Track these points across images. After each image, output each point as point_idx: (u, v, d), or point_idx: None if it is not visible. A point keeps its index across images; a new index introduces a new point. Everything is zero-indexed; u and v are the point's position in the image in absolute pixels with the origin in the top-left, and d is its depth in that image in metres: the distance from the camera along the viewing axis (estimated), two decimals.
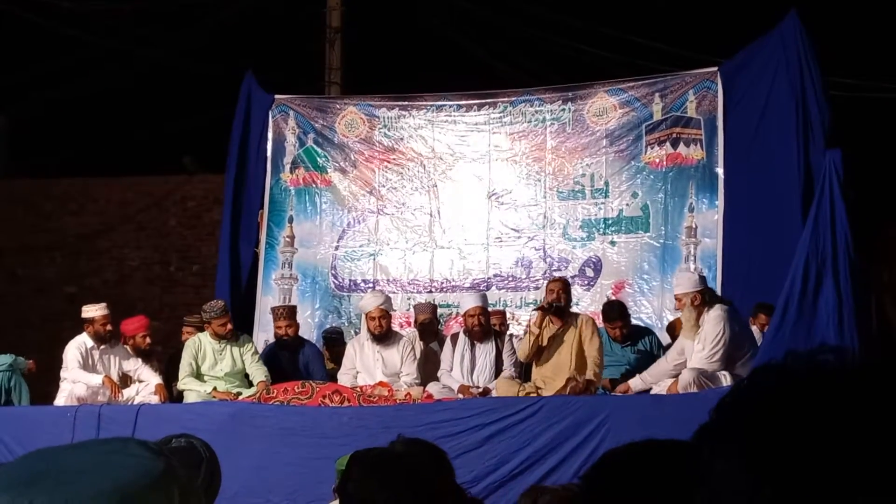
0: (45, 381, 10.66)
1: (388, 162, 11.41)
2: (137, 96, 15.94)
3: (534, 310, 9.06)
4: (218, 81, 13.80)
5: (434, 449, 2.52)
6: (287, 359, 9.54)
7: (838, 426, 0.85)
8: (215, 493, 2.91)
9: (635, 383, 8.45)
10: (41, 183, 15.04)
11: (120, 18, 14.65)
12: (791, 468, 0.85)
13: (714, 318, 8.03)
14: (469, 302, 9.37)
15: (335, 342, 10.31)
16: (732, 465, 0.89)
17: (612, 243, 10.67)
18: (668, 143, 10.64)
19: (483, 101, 11.33)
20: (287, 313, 9.78)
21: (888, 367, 0.89)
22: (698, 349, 8.03)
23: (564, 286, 9.01)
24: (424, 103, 11.46)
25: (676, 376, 8.18)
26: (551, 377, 8.71)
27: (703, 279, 8.56)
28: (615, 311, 9.25)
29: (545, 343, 8.82)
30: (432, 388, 8.82)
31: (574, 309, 9.42)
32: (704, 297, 8.23)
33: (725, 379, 7.83)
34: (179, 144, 15.12)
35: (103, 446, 1.23)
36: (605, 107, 10.95)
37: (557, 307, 8.79)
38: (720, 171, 10.32)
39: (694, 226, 10.44)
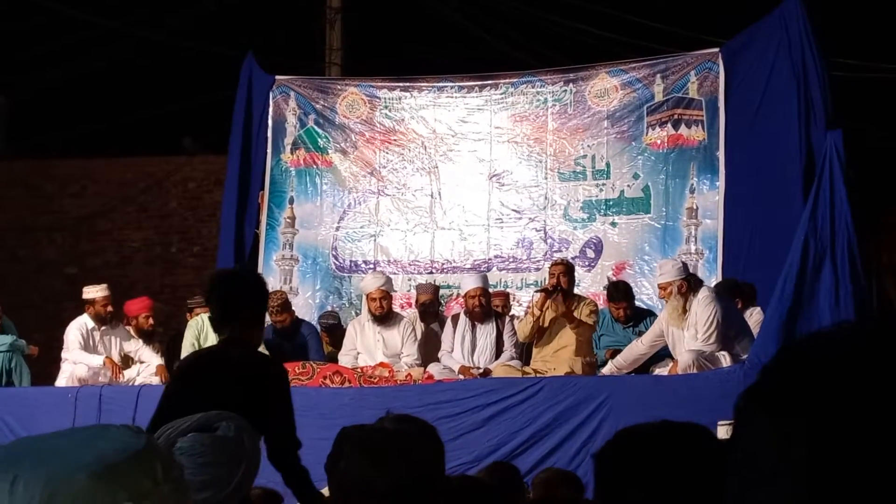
0: (45, 363, 10.68)
1: (389, 143, 11.40)
2: (137, 77, 15.91)
3: (535, 291, 9.06)
4: (218, 62, 13.77)
5: (424, 425, 2.48)
6: (286, 345, 9.52)
7: (876, 398, 0.86)
8: (248, 489, 2.83)
9: (608, 370, 8.48)
10: (41, 164, 15.03)
11: None
12: (829, 435, 0.86)
13: (703, 300, 8.04)
14: (469, 283, 9.38)
15: (333, 328, 10.26)
16: (771, 434, 0.90)
17: (613, 224, 10.66)
18: (669, 125, 10.63)
19: (484, 82, 11.31)
20: (280, 308, 9.60)
21: None
22: (691, 334, 8.03)
23: (567, 270, 9.00)
24: (426, 84, 11.44)
25: (653, 359, 8.25)
26: (552, 359, 8.73)
27: (685, 266, 8.57)
28: (620, 291, 9.24)
29: (546, 324, 8.84)
30: (433, 368, 8.83)
31: (575, 290, 9.42)
32: (690, 284, 8.24)
33: (725, 359, 7.84)
34: (179, 125, 15.10)
35: (85, 431, 1.26)
36: (606, 88, 10.92)
37: (561, 291, 8.80)
38: (721, 152, 10.31)
39: (695, 207, 10.43)
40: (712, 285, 9.02)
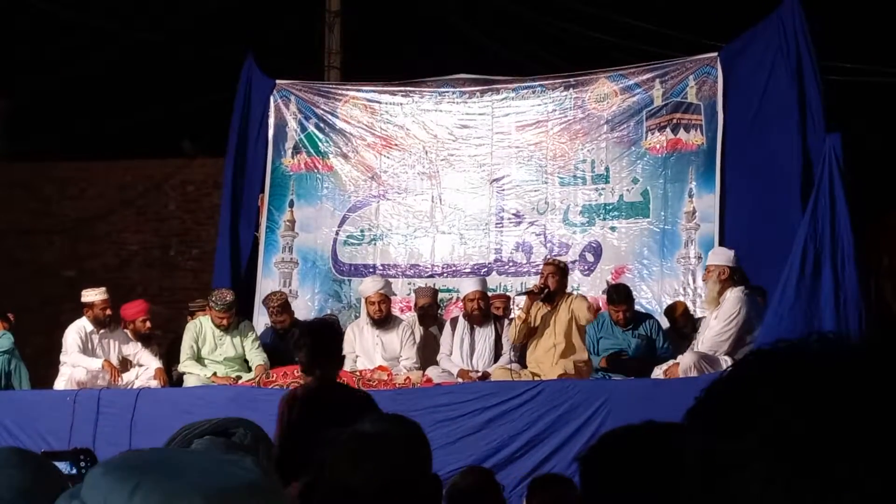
0: (44, 365, 10.67)
1: (390, 147, 11.40)
2: (137, 79, 15.90)
3: (518, 294, 9.05)
4: (217, 65, 13.77)
5: (407, 425, 2.43)
6: (286, 347, 9.52)
7: (830, 410, 0.86)
8: None
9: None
10: (41, 166, 15.02)
11: (120, 0, 14.61)
12: (783, 449, 0.86)
13: (733, 299, 8.13)
14: (468, 286, 9.38)
15: None
16: (723, 447, 0.89)
17: (613, 229, 10.66)
18: (668, 129, 10.64)
19: (486, 87, 11.31)
20: (280, 308, 9.73)
21: (877, 350, 0.90)
22: (713, 325, 8.12)
23: (556, 270, 8.99)
24: (427, 90, 11.44)
25: (653, 361, 8.45)
26: (544, 360, 8.73)
27: (737, 259, 8.58)
28: (620, 294, 9.24)
29: (537, 323, 8.84)
30: (432, 372, 8.83)
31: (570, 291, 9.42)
32: (732, 276, 8.30)
33: (726, 363, 7.84)
34: (178, 128, 15.10)
35: (222, 455, 1.34)
36: (606, 93, 10.94)
37: (547, 293, 8.79)
38: (720, 156, 10.31)
39: (693, 211, 10.43)
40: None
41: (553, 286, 8.84)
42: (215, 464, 1.26)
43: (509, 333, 8.98)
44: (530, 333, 8.87)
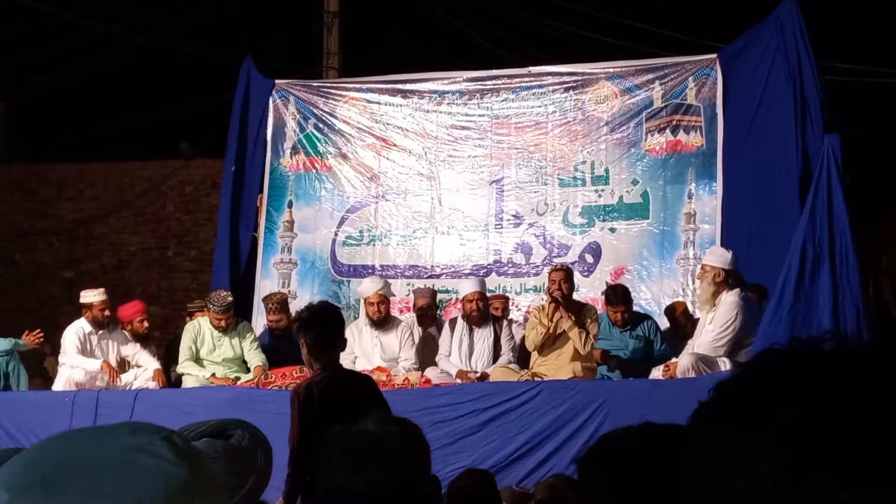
0: (42, 367, 10.66)
1: (389, 148, 11.38)
2: (135, 81, 15.90)
3: (550, 302, 8.93)
4: (215, 66, 13.77)
5: (408, 426, 2.43)
6: (283, 347, 9.52)
7: (842, 406, 0.86)
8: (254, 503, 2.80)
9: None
10: (39, 168, 15.03)
11: (118, 2, 14.61)
12: (796, 444, 0.86)
13: (729, 303, 8.04)
14: (467, 287, 9.38)
15: None
16: (735, 442, 0.89)
17: (612, 230, 10.65)
18: (667, 131, 10.63)
19: (485, 88, 11.30)
20: (279, 307, 9.71)
21: (889, 351, 0.90)
22: (709, 329, 8.07)
23: (567, 276, 8.96)
24: (426, 91, 11.42)
25: (652, 363, 8.48)
26: (555, 363, 8.70)
27: (734, 261, 8.50)
28: (618, 295, 9.24)
29: (556, 333, 8.82)
30: (430, 373, 8.83)
31: (574, 296, 9.40)
32: (727, 279, 8.21)
33: (724, 365, 7.82)
34: (176, 129, 15.10)
35: (130, 439, 1.12)
36: (605, 94, 10.93)
37: (565, 298, 8.77)
38: (719, 157, 10.31)
39: (693, 212, 10.43)
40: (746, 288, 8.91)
41: (567, 292, 8.85)
42: (128, 455, 1.09)
43: (529, 340, 8.91)
44: (548, 342, 8.83)
